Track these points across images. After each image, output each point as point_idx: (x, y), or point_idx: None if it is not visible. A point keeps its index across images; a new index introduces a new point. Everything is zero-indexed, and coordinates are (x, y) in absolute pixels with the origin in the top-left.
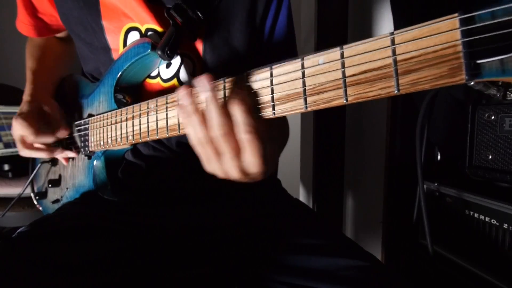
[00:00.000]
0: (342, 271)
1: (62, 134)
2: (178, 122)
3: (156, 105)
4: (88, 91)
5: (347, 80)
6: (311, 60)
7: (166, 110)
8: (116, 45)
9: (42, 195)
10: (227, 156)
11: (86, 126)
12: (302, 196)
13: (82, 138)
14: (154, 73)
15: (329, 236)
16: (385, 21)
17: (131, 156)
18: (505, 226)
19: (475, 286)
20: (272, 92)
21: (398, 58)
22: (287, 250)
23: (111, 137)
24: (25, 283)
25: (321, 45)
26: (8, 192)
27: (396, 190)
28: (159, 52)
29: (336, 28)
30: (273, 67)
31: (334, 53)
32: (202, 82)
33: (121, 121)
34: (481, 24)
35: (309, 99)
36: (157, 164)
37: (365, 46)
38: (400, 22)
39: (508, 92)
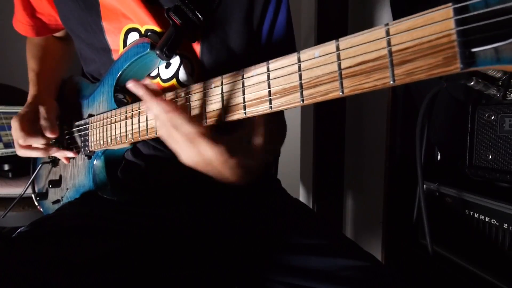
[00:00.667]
0: (342, 271)
1: (49, 134)
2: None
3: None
4: (89, 92)
5: (343, 72)
6: (307, 53)
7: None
8: (116, 46)
9: (43, 195)
10: (186, 142)
11: (86, 126)
12: (302, 196)
13: (82, 138)
14: (153, 73)
15: (329, 236)
16: (385, 21)
17: (131, 155)
18: (505, 226)
19: (475, 286)
20: (269, 87)
21: (393, 49)
22: (287, 250)
23: (111, 136)
24: (25, 283)
25: None
26: (8, 192)
27: (396, 190)
28: (158, 52)
29: (336, 27)
30: (270, 61)
31: (329, 46)
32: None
33: (120, 120)
34: (475, 12)
35: (305, 93)
36: (157, 163)
37: (361, 38)
38: None
39: (508, 92)
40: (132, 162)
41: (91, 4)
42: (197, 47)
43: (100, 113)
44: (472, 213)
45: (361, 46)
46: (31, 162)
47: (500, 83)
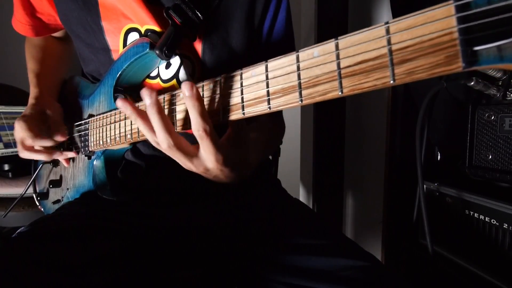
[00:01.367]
0: (342, 271)
1: (60, 138)
2: (176, 120)
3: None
4: (89, 92)
5: (342, 71)
6: (306, 52)
7: (164, 108)
8: (116, 46)
9: (43, 195)
10: (181, 160)
11: (86, 126)
12: (302, 196)
13: (82, 138)
14: (154, 74)
15: (329, 236)
16: (385, 20)
17: (130, 155)
18: (505, 226)
19: (475, 286)
20: (268, 87)
21: (393, 47)
22: (287, 250)
23: (110, 136)
24: (25, 283)
25: None
26: (8, 192)
27: (396, 190)
28: (157, 52)
29: (336, 28)
30: (268, 61)
31: (329, 45)
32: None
33: (119, 120)
34: (477, 10)
35: (304, 92)
36: (156, 163)
37: (360, 37)
38: None
39: (508, 92)
40: (132, 162)
41: (90, 4)
42: (198, 46)
43: (100, 113)
44: (472, 213)
45: (361, 45)
46: (32, 162)
47: (500, 83)
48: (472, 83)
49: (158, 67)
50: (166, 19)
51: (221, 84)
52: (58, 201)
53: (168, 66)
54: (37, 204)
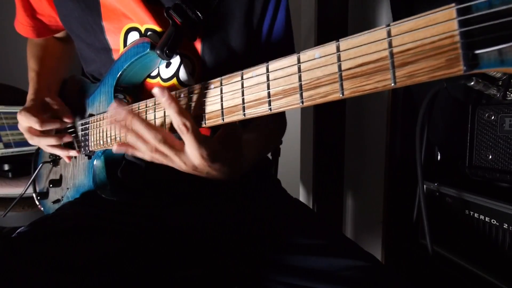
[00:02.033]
0: (342, 271)
1: (68, 119)
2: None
3: (154, 104)
4: (89, 92)
5: (343, 73)
6: (307, 54)
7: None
8: (117, 46)
9: (43, 195)
10: (170, 155)
11: (87, 125)
12: (302, 196)
13: (83, 138)
14: (154, 73)
15: (329, 236)
16: (384, 21)
17: (131, 155)
18: (505, 226)
19: (475, 286)
20: (268, 88)
21: (395, 50)
22: (287, 250)
23: (110, 136)
24: (25, 283)
25: None
26: (8, 192)
27: (396, 190)
28: (158, 52)
29: (336, 28)
30: (270, 62)
31: (330, 47)
32: (116, 111)
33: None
34: (479, 13)
35: (305, 94)
36: (156, 163)
37: (361, 39)
38: None
39: (508, 92)
40: (132, 162)
41: (91, 4)
42: (198, 46)
43: (100, 113)
44: (472, 213)
45: (362, 47)
46: (32, 162)
47: (500, 83)
48: (472, 83)
49: (159, 67)
50: (165, 18)
51: (222, 85)
52: (58, 200)
53: (168, 65)
54: (37, 203)
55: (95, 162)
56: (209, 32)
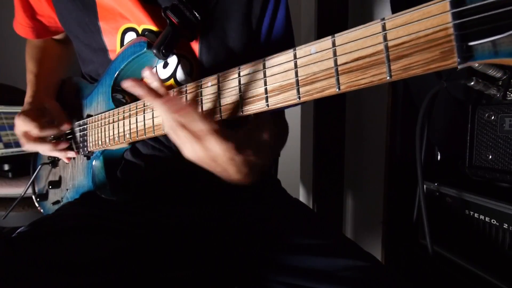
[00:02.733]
0: (342, 271)
1: (66, 127)
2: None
3: None
4: (87, 92)
5: (339, 68)
6: (303, 50)
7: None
8: (113, 46)
9: (43, 196)
10: (190, 141)
11: (85, 126)
12: (302, 196)
13: (81, 139)
14: None
15: (329, 236)
16: None
17: (130, 155)
18: (505, 226)
19: (475, 286)
20: (266, 84)
21: (390, 43)
22: (287, 250)
23: (109, 136)
24: (25, 283)
25: None
26: (8, 192)
27: (396, 190)
28: (155, 51)
29: (336, 28)
30: (266, 59)
31: (326, 42)
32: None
33: (118, 120)
34: (472, 5)
35: (302, 89)
36: (156, 163)
37: (357, 33)
38: None
39: (508, 92)
40: (131, 162)
41: (88, 4)
42: (195, 46)
43: (98, 113)
44: (472, 213)
45: (357, 41)
46: (31, 163)
47: (500, 83)
48: (472, 83)
49: (156, 66)
50: (163, 18)
51: (219, 82)
52: (57, 202)
53: (165, 65)
54: (37, 205)
55: (94, 162)
56: (207, 32)
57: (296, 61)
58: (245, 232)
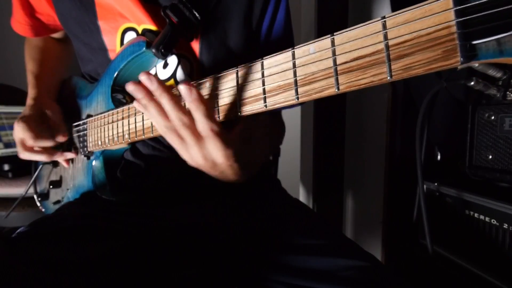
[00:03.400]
0: (342, 271)
1: (61, 139)
2: None
3: None
4: (87, 92)
5: (339, 68)
6: (301, 49)
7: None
8: (113, 46)
9: (44, 196)
10: (190, 143)
11: (85, 126)
12: (302, 196)
13: (81, 139)
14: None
15: (329, 236)
16: None
17: (130, 155)
18: (505, 226)
19: (475, 286)
20: (263, 84)
21: (390, 42)
22: (287, 250)
23: (108, 136)
24: (25, 283)
25: None
26: (8, 192)
27: (396, 190)
28: (154, 50)
29: (336, 27)
30: (264, 58)
31: (324, 41)
32: (150, 80)
33: (117, 120)
34: (476, 2)
35: (300, 90)
36: (156, 163)
37: (356, 32)
38: None
39: (508, 92)
40: (131, 162)
41: (87, 3)
42: (196, 46)
43: (98, 114)
44: (472, 213)
45: (357, 40)
46: (33, 163)
47: (500, 83)
48: (472, 83)
49: (156, 66)
50: (163, 18)
51: (216, 83)
52: (58, 201)
53: (165, 66)
54: (38, 205)
55: (94, 162)
56: (207, 32)
57: (294, 61)
58: (245, 232)
